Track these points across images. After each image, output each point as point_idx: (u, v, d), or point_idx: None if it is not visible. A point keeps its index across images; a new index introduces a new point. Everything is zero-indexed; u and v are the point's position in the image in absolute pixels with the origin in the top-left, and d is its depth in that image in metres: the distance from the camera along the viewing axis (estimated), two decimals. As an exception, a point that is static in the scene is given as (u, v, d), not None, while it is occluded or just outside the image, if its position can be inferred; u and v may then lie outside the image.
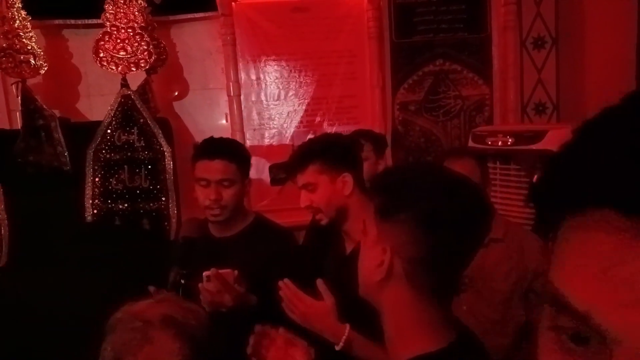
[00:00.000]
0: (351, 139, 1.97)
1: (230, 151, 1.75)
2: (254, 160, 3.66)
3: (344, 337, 1.32)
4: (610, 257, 0.32)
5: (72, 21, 3.40)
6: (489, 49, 3.58)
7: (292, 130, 3.66)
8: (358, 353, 1.34)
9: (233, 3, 3.48)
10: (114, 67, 2.52)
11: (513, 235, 1.79)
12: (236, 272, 1.52)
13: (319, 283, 1.38)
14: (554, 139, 2.26)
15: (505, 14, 3.48)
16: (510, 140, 2.38)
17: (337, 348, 1.33)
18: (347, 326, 1.33)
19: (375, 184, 1.02)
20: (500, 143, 2.42)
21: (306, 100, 3.65)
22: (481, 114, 3.64)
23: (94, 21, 3.18)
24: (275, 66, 3.62)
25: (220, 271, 1.49)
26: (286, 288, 1.41)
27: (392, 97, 3.60)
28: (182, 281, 1.42)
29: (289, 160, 1.66)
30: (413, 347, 0.86)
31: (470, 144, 2.72)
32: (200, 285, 1.50)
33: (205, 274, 1.50)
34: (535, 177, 2.25)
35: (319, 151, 1.57)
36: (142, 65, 2.54)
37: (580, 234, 0.34)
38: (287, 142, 3.66)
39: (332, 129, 3.63)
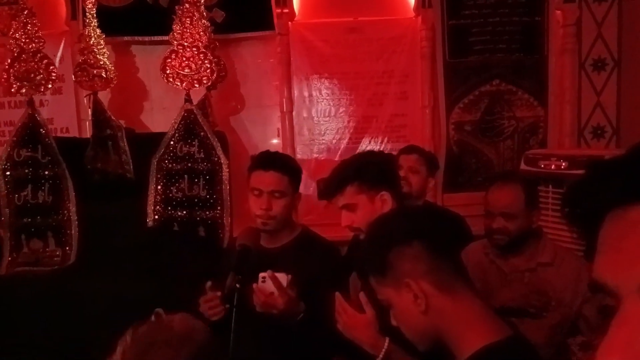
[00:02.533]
0: (386, 156, 1.96)
1: (283, 164, 1.83)
2: (302, 175, 3.78)
3: (384, 349, 1.34)
4: None
5: (140, 38, 3.63)
6: (545, 71, 3.53)
7: (342, 146, 3.73)
8: None
9: (290, 23, 3.61)
10: (179, 83, 2.68)
11: (561, 260, 1.77)
12: (290, 276, 1.58)
13: (361, 296, 1.42)
14: (611, 164, 2.20)
15: (564, 36, 3.43)
16: (564, 164, 2.35)
17: None
18: (387, 339, 1.35)
19: (359, 261, 1.17)
20: (553, 167, 2.39)
21: (356, 118, 3.71)
22: (535, 136, 3.58)
23: (160, 38, 3.38)
24: (328, 84, 3.71)
25: (275, 274, 1.56)
26: (337, 299, 1.46)
27: (447, 117, 3.60)
28: (238, 286, 1.49)
29: (326, 182, 1.65)
30: (476, 341, 0.94)
31: (523, 166, 2.69)
32: (254, 285, 1.56)
33: (261, 275, 1.57)
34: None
35: (355, 172, 1.58)
36: (205, 82, 2.69)
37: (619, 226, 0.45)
38: (336, 157, 3.73)
39: (382, 147, 3.67)
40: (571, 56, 3.45)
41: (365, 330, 1.39)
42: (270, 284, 1.55)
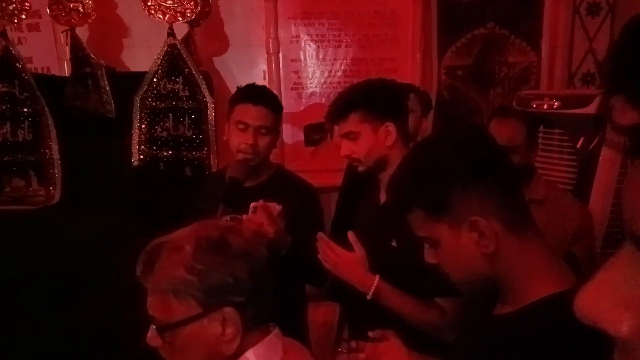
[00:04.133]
0: (397, 86, 1.90)
1: (272, 100, 1.79)
2: (289, 119, 3.73)
3: (373, 287, 1.37)
4: None
5: (120, -29, 3.45)
6: (541, 15, 3.45)
7: (330, 90, 3.65)
8: (387, 302, 1.39)
9: (278, -42, 3.45)
10: (161, 16, 2.55)
11: (553, 198, 1.77)
12: (280, 207, 1.57)
13: (350, 235, 1.44)
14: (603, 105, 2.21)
15: (560, -23, 3.34)
16: (556, 103, 2.34)
17: (367, 297, 1.39)
18: (377, 277, 1.39)
19: (398, 191, 1.01)
20: (545, 106, 2.38)
21: (345, 61, 3.62)
22: (527, 83, 3.53)
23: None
24: (316, 25, 3.59)
25: (266, 203, 1.55)
26: (321, 240, 1.47)
27: (439, 61, 3.53)
28: (228, 219, 1.47)
29: (331, 106, 1.60)
30: (541, 289, 0.86)
31: (515, 106, 2.67)
32: (244, 216, 1.54)
33: (252, 204, 1.55)
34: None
35: (362, 99, 1.52)
36: (188, 15, 2.57)
37: None
38: (324, 102, 3.66)
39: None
40: (565, -1, 3.37)
41: (355, 269, 1.41)
42: (261, 214, 1.53)
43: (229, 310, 0.91)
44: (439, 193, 0.89)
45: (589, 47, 3.46)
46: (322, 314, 2.84)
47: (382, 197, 1.62)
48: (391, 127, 1.51)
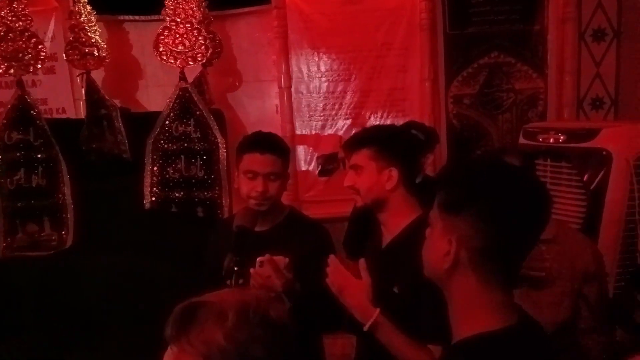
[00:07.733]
0: (411, 136, 1.94)
1: (278, 146, 1.80)
2: (302, 150, 3.76)
3: (372, 319, 1.35)
4: None
5: (132, 17, 3.55)
6: (545, 42, 3.47)
7: (341, 121, 3.69)
8: (383, 337, 1.37)
9: (286, -5, 3.53)
10: (172, 61, 2.63)
11: (564, 237, 1.74)
12: (287, 259, 1.58)
13: (361, 262, 1.43)
14: (608, 137, 2.20)
15: (564, 5, 3.35)
16: (562, 137, 2.33)
17: (364, 328, 1.37)
18: (377, 310, 1.36)
19: (440, 178, 1.11)
20: (551, 140, 2.37)
21: (355, 92, 3.65)
22: (534, 109, 3.53)
23: (153, 17, 3.31)
24: (326, 58, 3.64)
25: (273, 257, 1.55)
26: (331, 262, 1.46)
27: (446, 90, 3.56)
28: (236, 268, 1.49)
29: (350, 137, 1.68)
30: (475, 326, 0.93)
31: (521, 140, 2.67)
32: (252, 270, 1.54)
33: (259, 259, 1.55)
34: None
35: (376, 138, 1.59)
36: (199, 59, 2.64)
37: None
38: (336, 132, 3.69)
39: (380, 122, 3.63)
40: (571, 26, 3.38)
41: (357, 295, 1.39)
42: (268, 267, 1.54)
43: None
44: (448, 198, 0.97)
45: (596, 72, 3.46)
46: (339, 348, 2.82)
47: (385, 240, 1.63)
48: (394, 172, 1.55)
